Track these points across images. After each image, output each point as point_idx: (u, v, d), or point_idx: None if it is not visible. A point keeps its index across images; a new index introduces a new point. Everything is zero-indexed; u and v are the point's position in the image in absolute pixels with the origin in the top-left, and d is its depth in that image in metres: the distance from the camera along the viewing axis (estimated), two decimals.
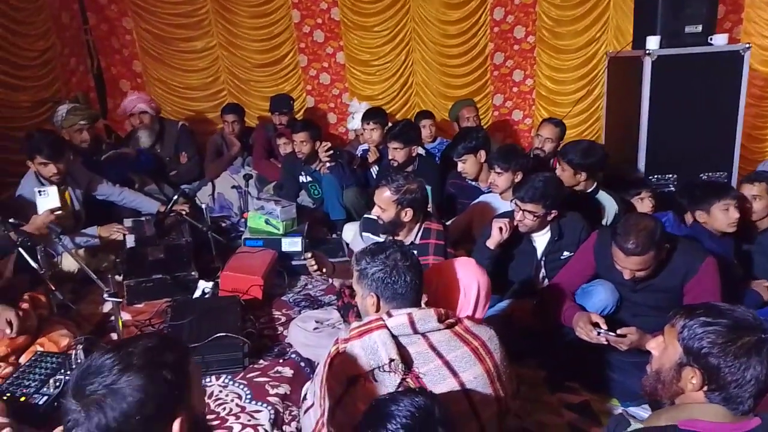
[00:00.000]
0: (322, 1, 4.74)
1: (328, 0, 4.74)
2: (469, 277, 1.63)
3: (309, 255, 2.24)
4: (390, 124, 4.06)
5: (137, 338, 1.07)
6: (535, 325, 2.46)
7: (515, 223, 2.52)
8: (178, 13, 4.61)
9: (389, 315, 1.43)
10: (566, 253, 2.55)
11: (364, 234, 2.65)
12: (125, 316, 2.73)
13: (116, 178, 3.61)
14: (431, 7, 4.76)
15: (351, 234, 3.26)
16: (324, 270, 2.28)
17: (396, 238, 2.50)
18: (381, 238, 2.52)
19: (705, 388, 1.18)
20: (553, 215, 2.52)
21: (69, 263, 3.03)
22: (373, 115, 4.02)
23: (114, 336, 2.54)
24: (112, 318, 2.50)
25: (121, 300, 2.40)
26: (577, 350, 2.22)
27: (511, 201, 2.59)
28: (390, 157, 3.59)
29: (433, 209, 3.40)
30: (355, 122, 4.60)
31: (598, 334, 2.05)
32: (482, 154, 3.36)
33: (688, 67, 3.64)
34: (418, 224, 2.52)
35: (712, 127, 3.73)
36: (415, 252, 2.42)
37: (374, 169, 3.89)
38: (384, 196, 2.43)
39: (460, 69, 4.97)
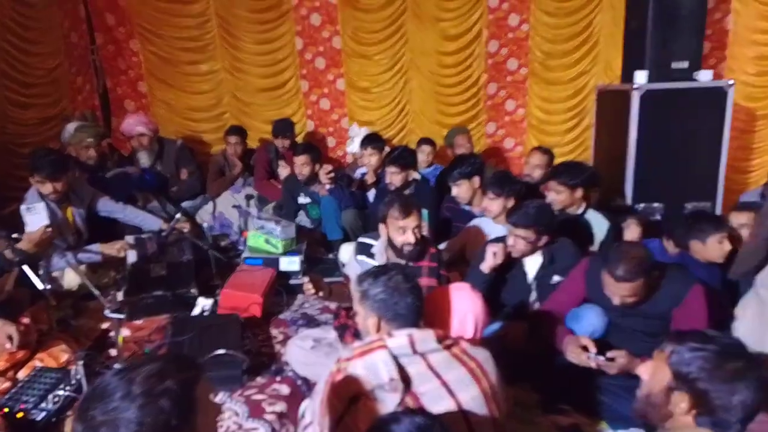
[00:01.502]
0: (324, 30, 4.89)
1: (330, 29, 4.90)
2: (465, 304, 1.69)
3: (306, 279, 2.29)
4: (388, 149, 4.20)
5: (145, 361, 1.04)
6: (527, 347, 2.52)
7: (508, 249, 2.60)
8: (185, 37, 4.73)
9: (390, 335, 1.49)
10: (556, 278, 2.61)
11: (358, 257, 2.69)
12: (125, 332, 2.76)
13: (120, 196, 3.67)
14: (429, 39, 4.93)
15: (348, 254, 3.34)
16: (321, 292, 2.34)
17: (388, 257, 2.56)
18: (376, 262, 2.58)
19: (694, 412, 1.22)
20: (544, 241, 2.61)
21: (70, 279, 3.08)
22: (372, 140, 4.14)
23: (113, 352, 2.58)
24: (112, 334, 2.56)
25: (122, 316, 2.45)
26: (568, 373, 2.26)
27: (504, 227, 2.68)
28: (387, 181, 3.70)
29: (429, 232, 3.50)
30: (354, 146, 4.72)
31: (588, 357, 2.12)
32: (476, 180, 3.47)
33: (674, 102, 3.79)
34: None
35: (698, 158, 3.87)
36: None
37: (371, 192, 3.99)
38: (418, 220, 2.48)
39: (456, 98, 5.13)
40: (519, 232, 2.54)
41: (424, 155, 4.45)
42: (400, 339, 1.47)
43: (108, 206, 3.49)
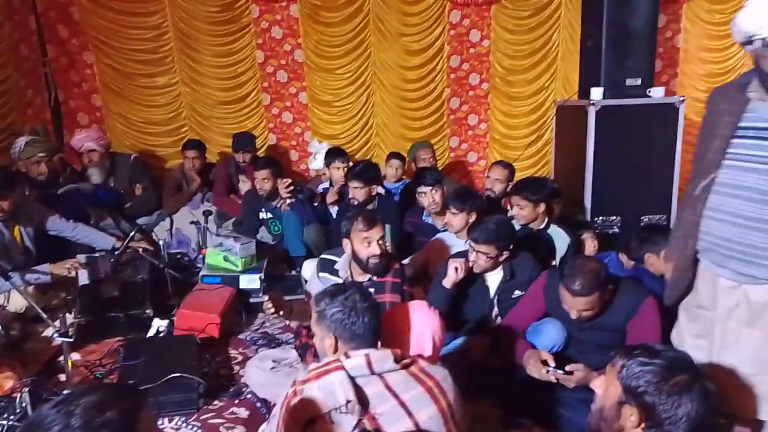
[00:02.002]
0: (286, 43, 4.86)
1: (292, 42, 4.87)
2: (422, 322, 1.69)
3: (266, 297, 2.25)
4: (351, 164, 4.19)
5: (85, 392, 1.01)
6: (489, 362, 2.53)
7: (470, 264, 2.61)
8: (142, 49, 4.63)
9: (347, 356, 1.47)
10: (517, 292, 2.64)
11: (320, 274, 2.67)
12: (75, 356, 2.65)
13: (72, 213, 3.54)
14: (391, 53, 4.96)
15: (310, 271, 3.29)
16: (282, 311, 2.30)
17: (352, 277, 2.55)
18: (340, 279, 2.56)
19: (643, 426, 1.25)
20: (505, 256, 2.63)
21: (17, 301, 2.93)
22: (338, 153, 4.14)
23: (62, 377, 2.47)
24: (61, 358, 2.45)
25: (71, 340, 2.35)
26: (529, 387, 2.29)
27: (466, 241, 2.69)
28: (351, 196, 3.67)
29: (392, 247, 3.49)
30: (316, 162, 4.69)
31: (548, 371, 2.14)
32: (445, 188, 3.51)
33: (629, 117, 3.91)
34: None
35: (652, 172, 3.98)
36: (372, 290, 2.46)
37: (335, 208, 3.96)
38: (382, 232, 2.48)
39: (419, 112, 5.16)
40: (481, 248, 2.56)
41: (393, 169, 4.44)
42: (357, 359, 1.45)
43: (58, 225, 3.37)
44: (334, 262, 2.64)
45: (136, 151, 4.64)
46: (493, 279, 2.69)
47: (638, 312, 2.19)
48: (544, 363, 2.16)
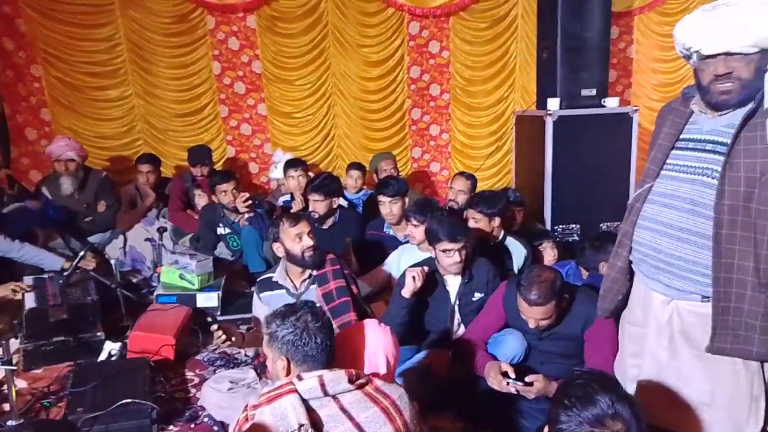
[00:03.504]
0: (243, 54, 4.80)
1: (250, 53, 4.81)
2: (375, 342, 1.66)
3: (215, 327, 2.18)
4: (311, 175, 4.14)
5: (17, 429, 0.96)
6: (452, 375, 2.52)
7: (454, 269, 2.62)
8: (93, 61, 4.50)
9: (300, 378, 1.43)
10: (477, 295, 2.67)
11: (262, 296, 2.63)
12: (21, 383, 2.52)
13: (18, 233, 3.38)
14: (351, 64, 4.95)
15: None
16: (233, 339, 2.23)
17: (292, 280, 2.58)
18: (282, 291, 2.57)
19: None
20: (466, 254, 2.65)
21: None
22: (297, 162, 4.11)
23: (6, 407, 2.34)
24: (5, 387, 2.32)
25: (14, 368, 2.23)
26: (490, 399, 2.29)
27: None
28: (311, 209, 3.62)
29: (351, 260, 3.45)
30: (277, 171, 4.62)
31: (508, 383, 2.13)
32: (406, 201, 3.49)
33: (585, 126, 3.99)
34: None
35: (609, 180, 4.07)
36: (316, 284, 2.54)
37: None
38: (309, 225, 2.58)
39: (381, 123, 5.17)
40: (461, 243, 2.57)
41: (353, 180, 4.42)
42: (309, 381, 1.41)
43: (2, 245, 3.21)
44: (270, 277, 2.64)
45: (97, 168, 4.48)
46: (453, 283, 2.71)
47: (594, 321, 2.21)
48: (504, 375, 2.15)
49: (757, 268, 1.51)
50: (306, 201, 3.92)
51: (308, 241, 2.51)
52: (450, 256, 2.60)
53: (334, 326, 2.38)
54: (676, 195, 1.65)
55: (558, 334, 2.29)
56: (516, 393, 2.14)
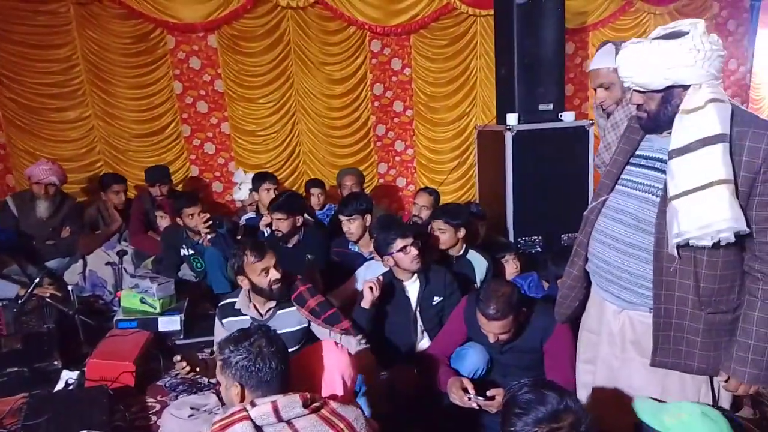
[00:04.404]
0: (205, 74, 4.77)
1: (212, 72, 4.78)
2: (331, 362, 1.66)
3: (179, 358, 2.15)
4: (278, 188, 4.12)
5: None
6: (416, 391, 2.53)
7: (414, 266, 2.71)
8: (50, 82, 4.41)
9: (253, 405, 1.42)
10: (436, 299, 2.75)
11: (224, 321, 2.59)
12: None
13: None
14: (314, 82, 4.97)
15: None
16: (197, 369, 2.20)
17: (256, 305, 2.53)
18: (246, 317, 2.51)
19: None
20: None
21: None
22: (265, 176, 4.12)
23: None
24: None
25: None
26: (455, 414, 2.30)
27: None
28: (274, 228, 3.60)
29: (317, 278, 3.44)
30: (241, 193, 4.59)
31: (469, 399, 2.15)
32: (368, 218, 3.51)
33: (543, 140, 4.08)
34: None
35: (568, 192, 4.14)
36: (295, 306, 2.51)
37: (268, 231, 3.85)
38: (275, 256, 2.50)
39: (345, 140, 5.19)
40: (411, 239, 2.71)
41: (315, 198, 4.45)
42: (263, 407, 1.41)
43: None
44: (233, 302, 2.59)
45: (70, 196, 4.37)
46: (412, 289, 2.78)
47: (553, 332, 2.25)
48: (466, 390, 2.17)
49: (697, 287, 1.55)
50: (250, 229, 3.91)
51: (275, 274, 2.41)
52: (407, 252, 2.69)
53: (336, 333, 2.42)
54: (623, 210, 1.69)
55: (519, 348, 2.33)
56: (478, 408, 2.17)
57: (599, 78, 2.10)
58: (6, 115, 4.40)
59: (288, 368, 1.53)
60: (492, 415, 2.18)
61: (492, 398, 2.13)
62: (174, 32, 4.62)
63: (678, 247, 1.52)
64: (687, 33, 1.51)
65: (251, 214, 4.20)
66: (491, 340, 2.24)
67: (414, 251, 2.70)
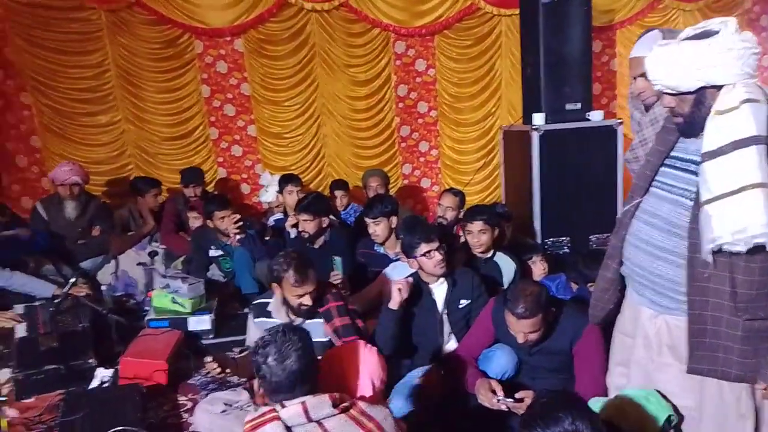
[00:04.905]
0: (231, 77, 4.85)
1: (238, 76, 4.86)
2: (360, 365, 1.66)
3: (209, 359, 2.17)
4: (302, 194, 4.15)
5: None
6: (443, 392, 2.53)
7: (438, 271, 2.67)
8: (82, 88, 4.53)
9: (282, 405, 1.43)
10: (463, 301, 2.71)
11: (256, 321, 2.64)
12: (12, 413, 2.52)
13: (7, 261, 3.39)
14: (339, 84, 5.00)
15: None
16: (228, 370, 2.23)
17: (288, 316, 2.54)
18: (277, 320, 2.53)
19: None
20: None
21: None
22: (290, 179, 4.17)
23: None
24: None
25: (5, 398, 2.23)
26: (482, 416, 2.30)
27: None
28: (300, 229, 3.64)
29: (344, 279, 3.47)
30: (268, 195, 4.64)
31: (498, 401, 2.15)
32: (394, 219, 3.52)
33: (571, 140, 4.03)
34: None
35: (596, 192, 4.10)
36: (322, 319, 2.52)
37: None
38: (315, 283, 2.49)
39: (370, 141, 5.21)
40: (435, 244, 2.65)
41: (338, 199, 4.47)
42: (293, 408, 1.42)
43: None
44: (267, 303, 2.63)
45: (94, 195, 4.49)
46: (439, 292, 2.74)
47: (582, 334, 2.23)
48: (494, 393, 2.17)
49: (733, 293, 1.51)
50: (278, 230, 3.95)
51: (307, 301, 2.44)
52: (431, 257, 2.65)
53: None
54: (656, 213, 1.67)
55: (548, 349, 2.31)
56: (507, 410, 2.16)
57: (641, 66, 1.89)
58: (41, 121, 4.53)
59: (312, 370, 1.53)
60: (519, 417, 2.17)
61: (521, 400, 2.12)
62: (202, 37, 4.71)
63: (713, 252, 1.49)
64: (717, 32, 1.48)
65: (279, 216, 4.25)
66: (520, 340, 2.23)
67: (438, 256, 2.65)
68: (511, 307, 2.17)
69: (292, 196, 4.05)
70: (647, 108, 2.03)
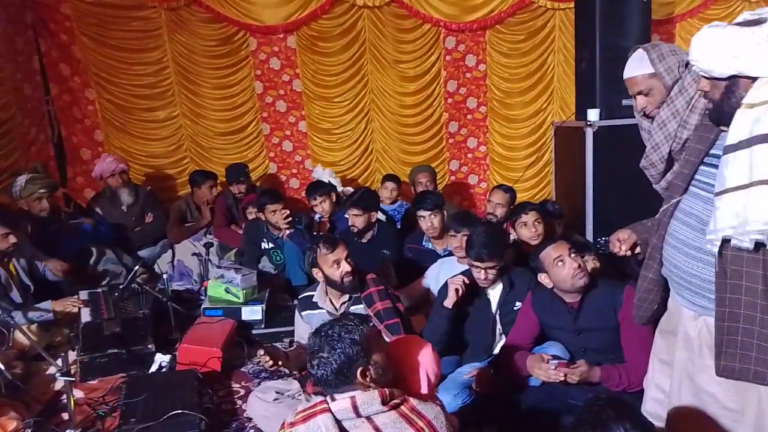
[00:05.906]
0: (284, 74, 4.93)
1: (290, 72, 4.94)
2: (416, 360, 1.66)
3: (262, 352, 2.23)
4: (351, 190, 4.18)
5: None
6: (494, 391, 2.51)
7: (482, 284, 2.63)
8: (142, 84, 4.71)
9: (332, 398, 1.45)
10: (518, 304, 2.65)
11: (303, 314, 2.69)
12: (78, 393, 2.65)
13: (73, 249, 3.57)
14: (388, 80, 5.02)
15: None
16: (280, 363, 2.28)
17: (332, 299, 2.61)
18: (323, 310, 2.60)
19: None
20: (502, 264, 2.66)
21: (21, 339, 2.95)
22: (316, 188, 4.15)
23: (65, 416, 2.47)
24: (64, 397, 2.45)
25: (73, 379, 2.35)
26: (533, 415, 2.28)
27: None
28: (350, 223, 3.69)
29: (391, 273, 3.49)
30: None
31: (555, 367, 2.20)
32: (444, 213, 3.52)
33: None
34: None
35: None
36: (362, 305, 2.57)
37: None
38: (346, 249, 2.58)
39: (418, 137, 5.20)
40: (488, 264, 2.58)
41: (387, 192, 4.49)
42: (342, 402, 1.43)
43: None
44: (311, 296, 2.68)
45: (138, 183, 4.69)
46: (494, 293, 2.70)
47: (623, 301, 2.26)
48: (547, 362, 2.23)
49: (766, 291, 1.44)
50: (332, 224, 4.00)
51: (346, 267, 2.51)
52: (477, 272, 2.62)
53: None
54: (691, 212, 1.62)
55: (592, 326, 2.34)
56: (563, 379, 2.19)
57: (636, 86, 1.94)
58: (104, 115, 4.74)
59: (353, 364, 1.47)
60: (569, 417, 2.14)
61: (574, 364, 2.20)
62: (256, 34, 4.81)
63: (739, 250, 1.42)
64: (765, 22, 1.41)
65: None
66: (568, 276, 2.30)
67: (481, 276, 2.59)
68: (547, 246, 2.40)
69: (321, 206, 4.07)
70: (653, 119, 1.99)
